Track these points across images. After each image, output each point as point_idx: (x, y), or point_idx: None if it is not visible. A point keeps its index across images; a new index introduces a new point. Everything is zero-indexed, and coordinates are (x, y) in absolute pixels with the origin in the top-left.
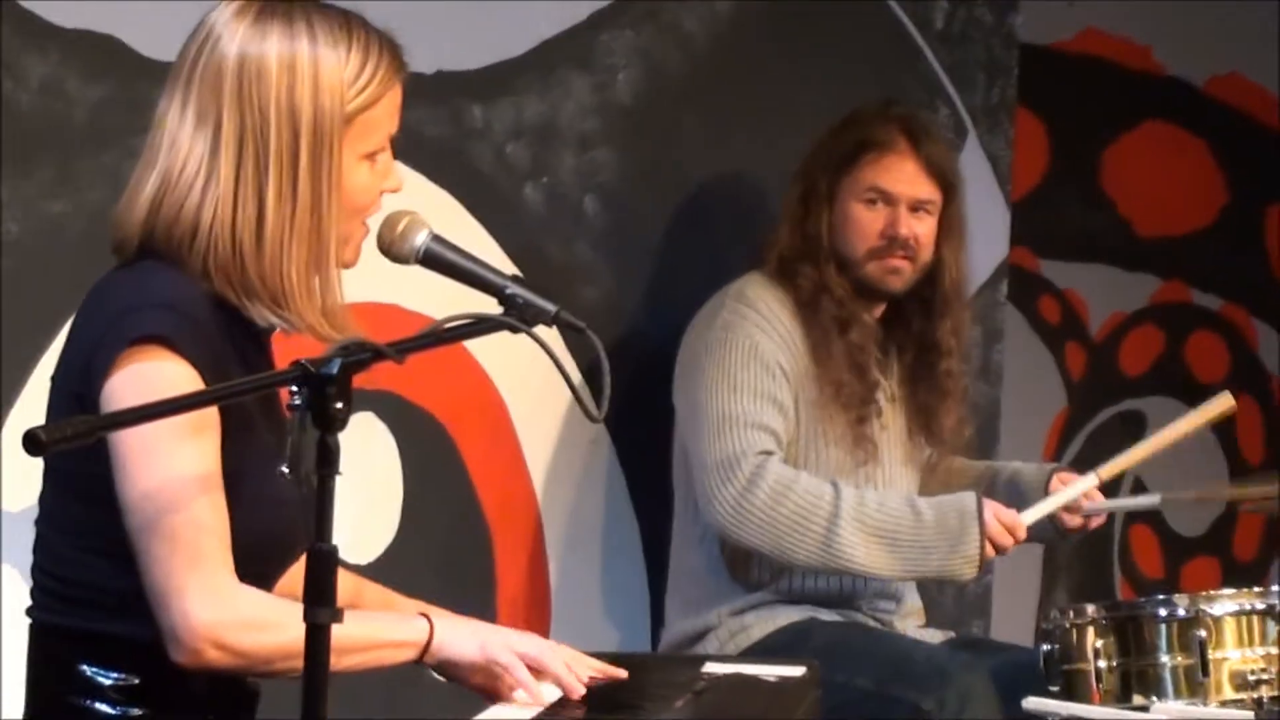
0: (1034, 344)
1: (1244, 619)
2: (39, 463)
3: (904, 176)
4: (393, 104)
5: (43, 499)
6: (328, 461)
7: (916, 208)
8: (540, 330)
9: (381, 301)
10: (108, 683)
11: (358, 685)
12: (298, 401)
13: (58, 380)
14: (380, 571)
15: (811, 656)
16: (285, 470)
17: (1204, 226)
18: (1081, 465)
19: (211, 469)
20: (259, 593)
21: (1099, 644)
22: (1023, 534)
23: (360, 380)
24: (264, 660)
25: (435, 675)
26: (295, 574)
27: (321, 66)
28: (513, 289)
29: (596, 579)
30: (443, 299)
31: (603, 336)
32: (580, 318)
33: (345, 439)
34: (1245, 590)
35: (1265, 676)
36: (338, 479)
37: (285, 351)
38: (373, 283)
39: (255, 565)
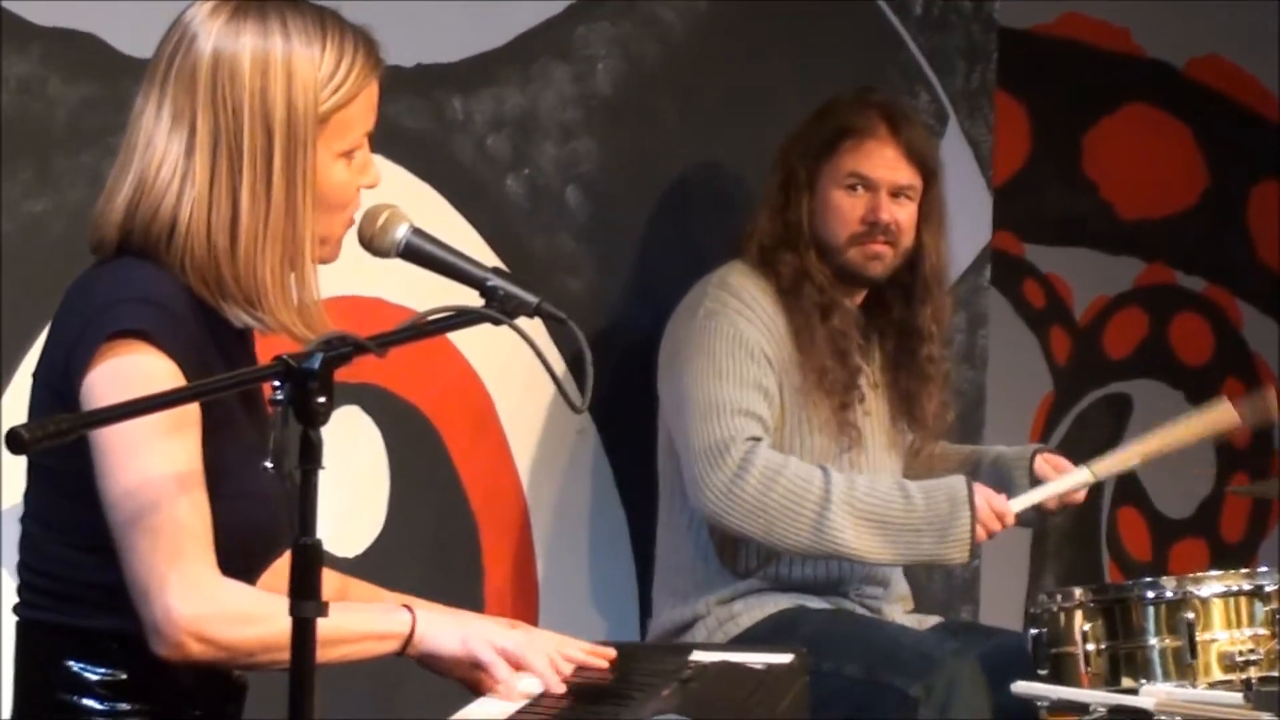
0: (1018, 328)
1: (1231, 600)
2: (24, 460)
3: (884, 162)
4: (368, 101)
5: (27, 496)
6: (310, 456)
7: (897, 193)
8: (523, 322)
9: (365, 295)
10: (95, 678)
11: (346, 682)
12: (280, 397)
13: (39, 377)
14: (367, 565)
15: (800, 644)
16: (269, 466)
17: (1186, 208)
18: (1067, 449)
19: (193, 465)
20: (241, 585)
21: (1087, 627)
22: (1011, 520)
23: (345, 374)
24: (246, 653)
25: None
26: (279, 568)
27: (295, 65)
28: (494, 281)
29: (584, 570)
30: (427, 292)
31: (586, 327)
32: (563, 309)
33: (331, 433)
34: (1232, 572)
35: (1253, 657)
36: (322, 473)
37: (268, 346)
38: (356, 277)
39: (238, 560)
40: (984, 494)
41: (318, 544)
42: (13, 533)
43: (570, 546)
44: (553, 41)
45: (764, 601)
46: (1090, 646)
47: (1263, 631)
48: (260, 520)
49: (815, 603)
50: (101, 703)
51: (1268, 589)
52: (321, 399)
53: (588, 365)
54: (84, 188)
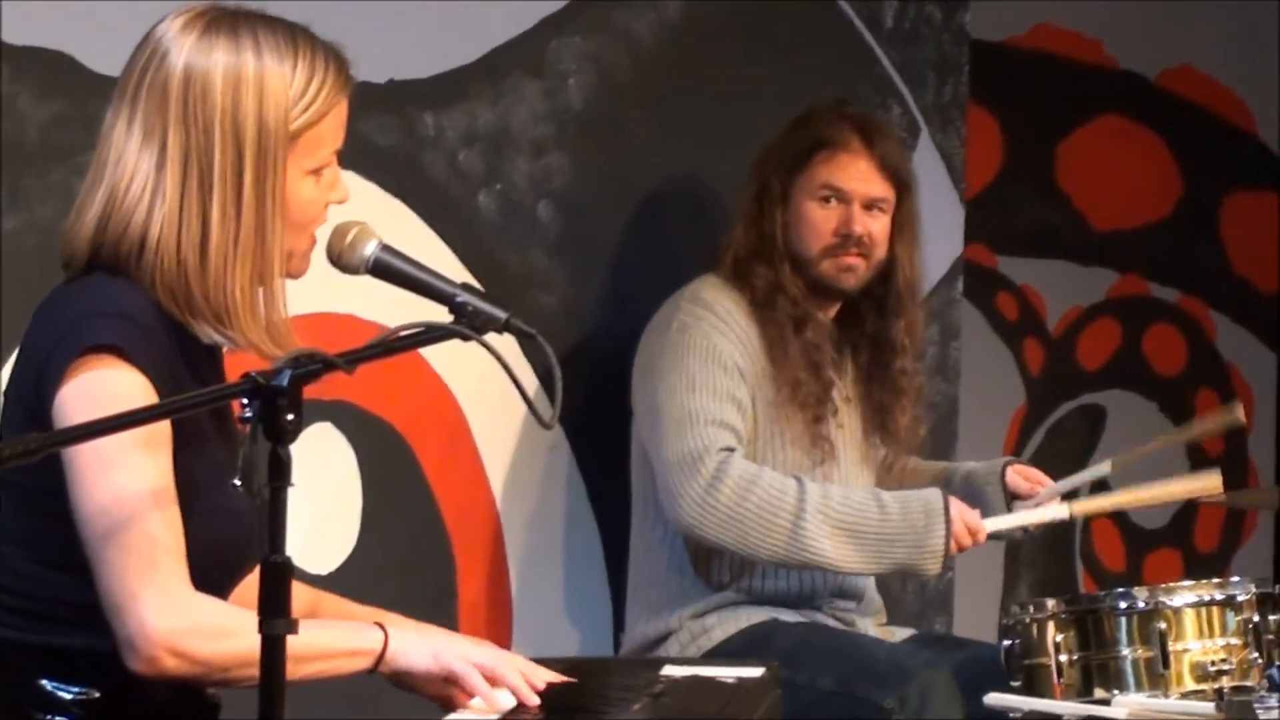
0: (992, 340)
1: (1203, 610)
2: None
3: (857, 174)
4: (338, 119)
5: None
6: (280, 473)
7: (870, 206)
8: (496, 338)
9: (337, 311)
10: (69, 697)
11: (318, 697)
12: (249, 414)
13: (11, 393)
14: (340, 581)
15: (773, 658)
16: (238, 483)
17: (1160, 219)
18: (1041, 461)
19: (165, 480)
20: (215, 601)
21: (1059, 638)
22: (983, 537)
23: (317, 391)
24: (221, 668)
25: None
26: (250, 583)
27: (266, 83)
28: (463, 297)
29: (557, 584)
30: (399, 309)
31: (559, 342)
32: (536, 324)
33: (303, 450)
34: (1204, 582)
35: (1226, 667)
36: (294, 489)
37: (239, 363)
38: (329, 293)
39: (210, 576)
40: (959, 507)
41: (287, 561)
42: None
43: (544, 561)
44: (524, 56)
45: (737, 615)
46: (1063, 657)
47: (1235, 641)
48: (232, 536)
49: (789, 616)
50: None
51: (1240, 599)
52: (290, 416)
53: (557, 381)
54: (54, 204)
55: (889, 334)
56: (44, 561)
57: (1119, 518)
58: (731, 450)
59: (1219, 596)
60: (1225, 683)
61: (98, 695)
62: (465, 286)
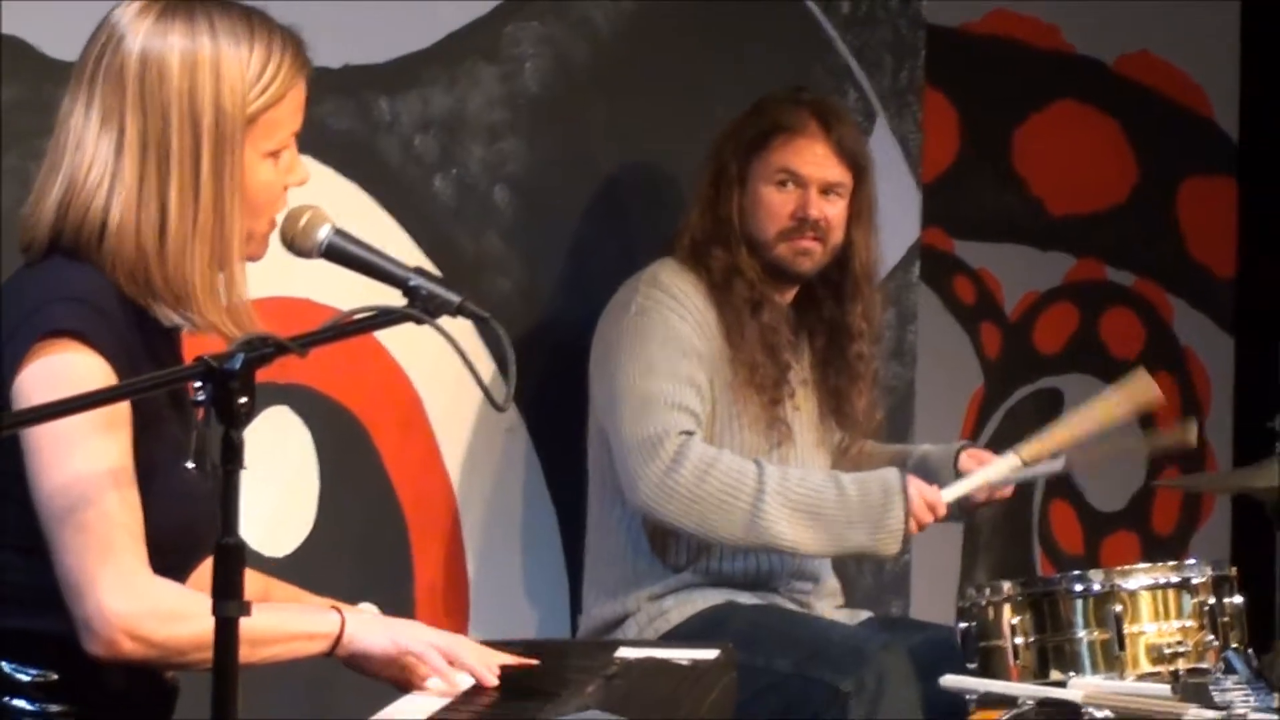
0: (949, 324)
1: (1159, 593)
2: None
3: (814, 159)
4: (296, 102)
5: None
6: (232, 456)
7: (827, 190)
8: (449, 321)
9: (293, 296)
10: (26, 679)
11: (278, 682)
12: (201, 397)
13: None
14: (297, 564)
15: (729, 640)
16: (191, 465)
17: (1116, 204)
18: (998, 444)
19: (124, 462)
20: (172, 584)
21: (1015, 620)
22: (943, 511)
23: (273, 374)
24: (178, 651)
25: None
26: (206, 567)
27: (223, 67)
28: (416, 281)
29: (515, 567)
30: (355, 293)
31: (516, 326)
32: (493, 308)
33: (259, 433)
34: (1160, 564)
35: (1181, 650)
36: (251, 473)
37: (199, 345)
38: (285, 278)
39: (167, 559)
40: (916, 485)
41: (240, 544)
42: None
43: (501, 544)
44: (480, 42)
45: (694, 597)
46: (1019, 640)
47: (1190, 624)
48: (189, 519)
49: (745, 598)
50: (32, 703)
51: (1195, 581)
52: (243, 399)
53: (510, 364)
54: (12, 190)
55: (846, 318)
56: (2, 545)
57: (1076, 500)
58: (690, 433)
59: (1174, 579)
60: (1181, 665)
61: (55, 677)
62: (419, 270)
